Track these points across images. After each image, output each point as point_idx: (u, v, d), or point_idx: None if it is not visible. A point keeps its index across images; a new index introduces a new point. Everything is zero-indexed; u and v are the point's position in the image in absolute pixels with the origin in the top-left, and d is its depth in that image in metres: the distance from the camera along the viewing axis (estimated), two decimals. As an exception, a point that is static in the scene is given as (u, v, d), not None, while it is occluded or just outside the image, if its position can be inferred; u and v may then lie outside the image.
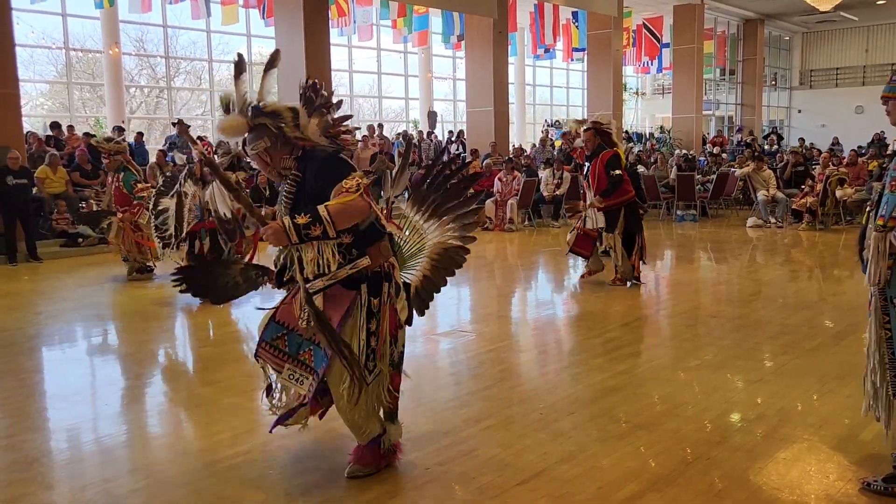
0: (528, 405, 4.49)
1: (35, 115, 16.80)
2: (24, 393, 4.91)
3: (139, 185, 8.78)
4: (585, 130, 7.75)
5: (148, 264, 8.89)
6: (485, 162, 15.45)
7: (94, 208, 9.91)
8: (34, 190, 11.07)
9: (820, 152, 17.74)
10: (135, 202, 8.63)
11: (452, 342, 6.07)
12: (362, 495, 3.33)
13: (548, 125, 24.47)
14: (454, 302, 7.91)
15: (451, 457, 3.71)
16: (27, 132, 12.76)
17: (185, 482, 3.49)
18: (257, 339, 3.49)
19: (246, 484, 3.45)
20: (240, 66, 3.38)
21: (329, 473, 3.54)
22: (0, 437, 4.12)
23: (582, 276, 8.29)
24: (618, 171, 7.63)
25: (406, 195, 3.92)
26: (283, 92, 14.78)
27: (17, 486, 3.47)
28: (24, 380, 5.23)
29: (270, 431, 3.63)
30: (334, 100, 3.46)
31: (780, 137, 27.55)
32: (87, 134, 13.92)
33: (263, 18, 16.49)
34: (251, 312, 7.67)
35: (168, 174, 8.24)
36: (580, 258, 8.33)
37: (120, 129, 13.54)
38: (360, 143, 16.02)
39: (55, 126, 14.06)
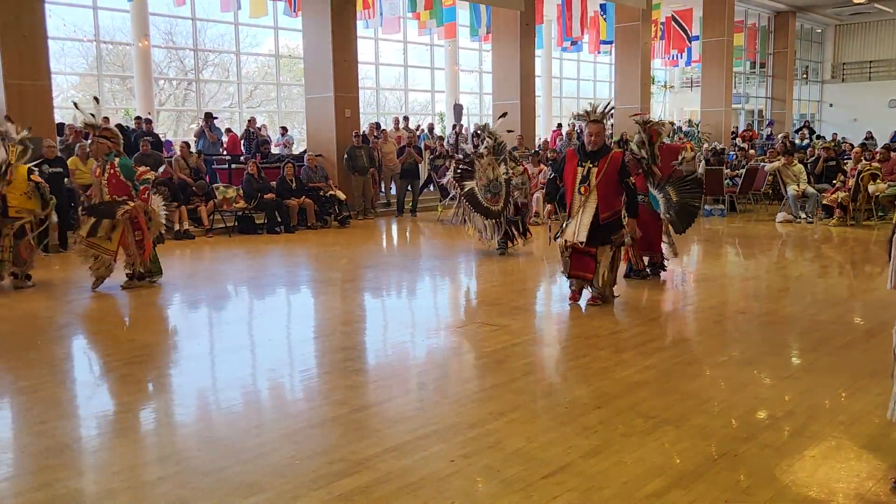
0: (554, 399, 4.48)
1: (66, 106, 17.04)
2: (56, 380, 5.00)
3: (140, 168, 8.08)
4: (594, 123, 6.64)
5: (141, 270, 7.96)
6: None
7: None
8: (65, 181, 11.21)
9: (852, 146, 17.47)
10: (141, 187, 7.88)
11: (478, 335, 6.07)
12: (387, 485, 3.34)
13: (574, 118, 24.32)
14: (479, 295, 7.91)
15: (477, 449, 3.72)
16: (65, 124, 12.94)
17: (211, 470, 3.53)
18: None
19: (271, 472, 3.49)
20: None
21: (354, 464, 3.56)
22: (33, 424, 4.20)
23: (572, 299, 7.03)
24: (632, 179, 6.94)
25: None
26: (312, 84, 14.87)
27: (49, 472, 3.53)
28: (56, 367, 5.32)
29: None
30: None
31: (812, 131, 27.19)
32: (118, 126, 14.07)
33: (293, 12, 16.53)
34: (256, 310, 7.75)
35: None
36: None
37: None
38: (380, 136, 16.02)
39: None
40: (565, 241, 6.69)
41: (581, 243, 6.59)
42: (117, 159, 7.81)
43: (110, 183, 7.79)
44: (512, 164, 10.14)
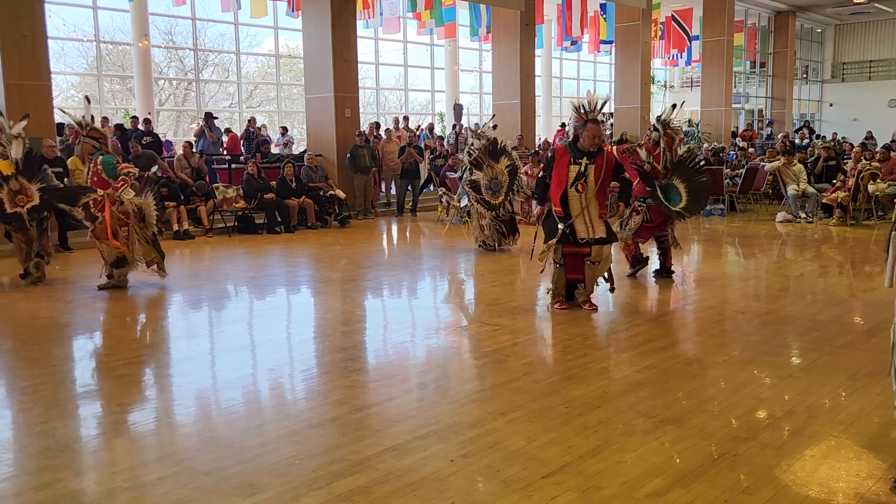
0: (554, 398, 4.48)
1: (66, 106, 17.06)
2: (56, 380, 5.00)
3: (122, 164, 7.94)
4: (595, 123, 6.44)
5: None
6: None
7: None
8: (65, 181, 11.20)
9: (852, 146, 17.48)
10: (119, 178, 7.72)
11: (478, 335, 6.07)
12: (387, 485, 3.35)
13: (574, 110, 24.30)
14: (479, 295, 7.91)
15: (477, 449, 3.72)
16: (65, 124, 12.93)
17: (212, 469, 3.53)
18: None
19: (272, 472, 3.49)
20: None
21: (354, 464, 3.56)
22: (33, 424, 4.20)
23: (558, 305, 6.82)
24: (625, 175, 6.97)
25: None
26: (312, 84, 14.87)
27: (49, 472, 3.53)
28: (56, 368, 5.31)
29: None
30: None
31: (812, 131, 27.19)
32: (118, 125, 14.09)
33: (291, 12, 16.55)
34: (256, 310, 7.74)
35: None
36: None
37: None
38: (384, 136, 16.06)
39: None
40: (579, 239, 6.53)
41: (601, 238, 6.52)
42: (101, 157, 7.78)
43: (92, 181, 7.79)
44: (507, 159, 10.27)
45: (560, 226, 6.56)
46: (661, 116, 8.21)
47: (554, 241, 6.59)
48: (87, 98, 8.83)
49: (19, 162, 7.99)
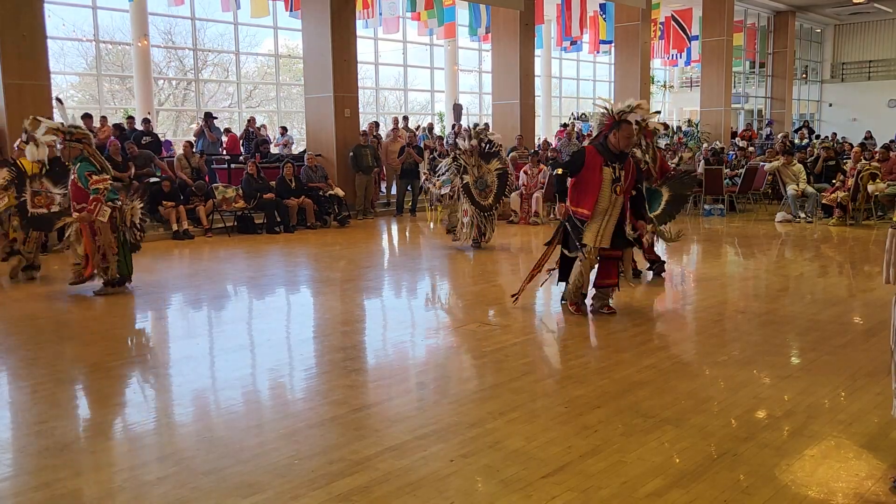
0: (554, 398, 4.48)
1: (65, 106, 17.04)
2: (55, 380, 5.00)
3: (94, 177, 7.25)
4: (629, 123, 6.20)
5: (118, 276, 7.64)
6: (510, 155, 15.40)
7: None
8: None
9: (851, 146, 17.47)
10: (91, 197, 7.24)
11: (477, 335, 6.07)
12: (386, 485, 3.34)
13: (574, 118, 24.33)
14: (479, 295, 7.90)
15: (476, 449, 3.72)
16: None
17: (211, 469, 3.53)
18: None
19: (271, 472, 3.49)
20: None
21: (353, 464, 3.56)
22: (32, 424, 4.20)
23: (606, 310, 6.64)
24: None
25: None
26: (311, 84, 14.87)
27: (48, 472, 3.53)
28: (56, 367, 5.31)
29: None
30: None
31: (811, 131, 27.20)
32: (116, 125, 14.07)
33: (290, 11, 16.54)
34: (256, 310, 7.74)
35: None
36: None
37: (88, 116, 12.93)
38: (388, 136, 16.07)
39: (86, 117, 14.22)
40: (591, 247, 6.29)
41: (603, 248, 6.30)
42: (79, 164, 7.33)
43: (71, 189, 7.52)
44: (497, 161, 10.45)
45: (589, 235, 6.27)
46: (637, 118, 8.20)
47: (593, 245, 6.28)
48: (58, 99, 8.47)
49: (45, 164, 8.02)
